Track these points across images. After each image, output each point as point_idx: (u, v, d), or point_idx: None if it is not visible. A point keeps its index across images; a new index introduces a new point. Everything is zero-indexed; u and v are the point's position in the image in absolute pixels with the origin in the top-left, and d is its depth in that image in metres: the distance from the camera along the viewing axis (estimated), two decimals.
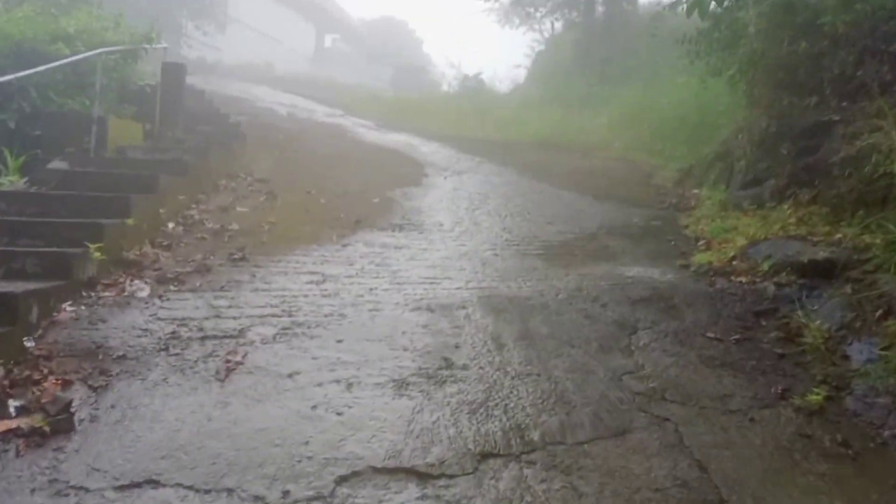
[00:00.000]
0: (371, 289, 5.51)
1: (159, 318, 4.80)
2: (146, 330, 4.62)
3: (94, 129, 7.74)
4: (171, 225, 6.70)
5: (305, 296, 5.30)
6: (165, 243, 6.24)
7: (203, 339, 4.53)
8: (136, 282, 5.32)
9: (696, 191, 10.20)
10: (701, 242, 7.27)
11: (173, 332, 4.60)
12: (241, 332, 4.64)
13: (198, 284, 5.41)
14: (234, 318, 4.86)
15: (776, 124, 8.37)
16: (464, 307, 5.22)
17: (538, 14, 25.99)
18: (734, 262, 6.40)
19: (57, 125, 7.67)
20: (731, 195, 8.72)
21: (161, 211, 6.57)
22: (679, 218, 8.46)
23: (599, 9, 22.95)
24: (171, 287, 5.33)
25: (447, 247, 6.81)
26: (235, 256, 6.04)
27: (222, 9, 34.85)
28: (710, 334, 4.99)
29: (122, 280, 5.33)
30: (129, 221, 5.81)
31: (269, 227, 6.99)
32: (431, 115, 18.42)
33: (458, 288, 5.63)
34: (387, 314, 5.03)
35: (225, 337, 4.57)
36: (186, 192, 7.33)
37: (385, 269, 6.03)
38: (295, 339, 4.59)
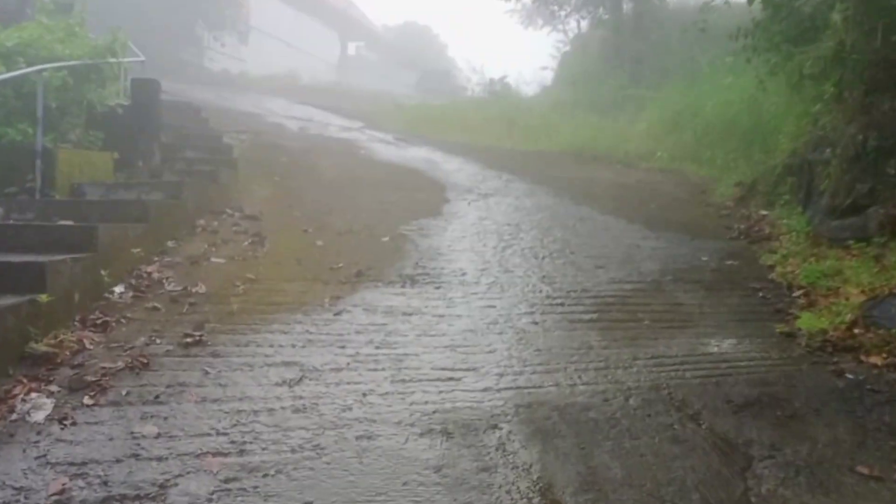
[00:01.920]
0: (364, 394, 3.82)
1: (49, 463, 3.16)
2: (20, 489, 2.98)
3: (38, 165, 6.14)
4: (118, 290, 5.07)
5: (270, 410, 3.63)
6: (101, 321, 4.60)
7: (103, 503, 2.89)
8: (35, 394, 3.68)
9: (764, 213, 8.39)
10: (798, 293, 5.49)
11: (61, 492, 2.95)
12: (162, 490, 2.98)
13: (124, 393, 3.76)
14: (159, 459, 3.20)
15: (877, 136, 6.54)
16: (495, 427, 3.52)
17: (562, 13, 24.07)
18: (856, 331, 4.61)
19: None
20: (818, 223, 6.90)
21: (103, 273, 4.94)
22: (758, 254, 6.68)
23: (627, 5, 21.08)
24: (86, 399, 3.69)
25: (471, 310, 5.09)
26: (189, 339, 4.39)
27: (244, 20, 33.52)
28: (863, 469, 3.23)
29: (15, 392, 3.70)
30: (43, 298, 4.17)
31: (246, 286, 5.33)
32: (455, 123, 16.70)
33: (486, 389, 3.92)
34: (383, 446, 3.34)
35: (136, 499, 2.91)
36: (147, 241, 5.71)
37: (387, 353, 4.34)
38: (240, 499, 2.91)
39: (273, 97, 20.12)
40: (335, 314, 4.91)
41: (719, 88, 13.81)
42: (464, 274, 5.93)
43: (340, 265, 5.97)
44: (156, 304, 4.92)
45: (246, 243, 6.42)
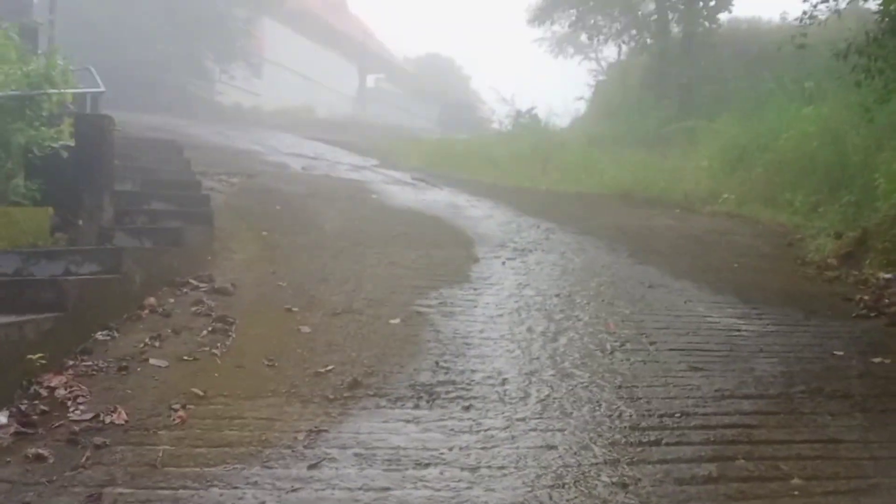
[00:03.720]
0: None
1: None
2: None
3: None
4: None
5: None
6: None
7: None
8: None
9: (887, 276, 6.69)
10: None
11: None
12: None
13: None
14: None
15: None
16: None
17: (598, 39, 22.52)
18: None
19: None
20: None
21: None
22: None
23: (674, 27, 19.57)
24: None
25: (519, 455, 3.42)
26: None
27: (256, 52, 32.54)
28: None
29: None
30: None
31: (188, 411, 3.71)
32: (481, 160, 15.15)
33: None
34: None
35: None
36: (60, 338, 4.16)
37: None
38: None
39: (281, 132, 18.77)
40: (310, 466, 3.26)
41: (794, 119, 12.15)
42: (504, 382, 4.26)
43: (330, 368, 4.34)
44: (41, 451, 3.30)
45: (205, 332, 4.81)
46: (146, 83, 24.08)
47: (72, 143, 6.39)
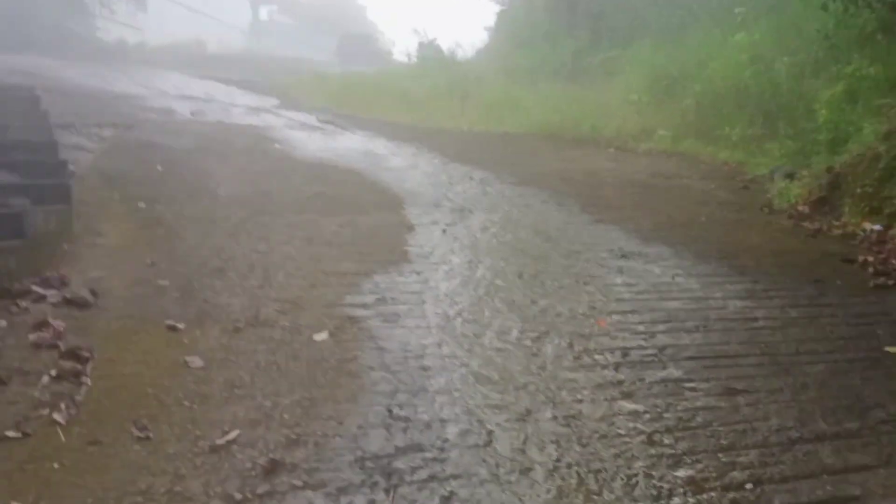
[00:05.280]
0: None
1: None
2: None
3: None
4: None
5: None
6: None
7: None
8: None
9: (875, 227, 5.61)
10: None
11: None
12: None
13: None
14: None
15: None
16: None
17: None
18: None
19: None
20: None
21: None
22: None
23: None
24: None
25: None
26: None
27: None
28: None
29: None
30: None
31: None
32: (395, 99, 13.42)
33: None
34: None
35: None
36: None
37: None
38: None
39: (168, 71, 16.42)
40: None
41: (721, 46, 11.02)
42: (490, 439, 2.85)
43: (233, 435, 2.80)
44: None
45: (46, 379, 3.15)
46: (17, 20, 20.99)
47: None
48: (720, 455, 2.79)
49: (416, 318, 4.00)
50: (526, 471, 2.66)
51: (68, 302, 3.91)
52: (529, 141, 9.93)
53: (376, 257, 4.96)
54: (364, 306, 4.10)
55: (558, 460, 2.72)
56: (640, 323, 4.02)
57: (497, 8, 25.71)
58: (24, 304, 3.83)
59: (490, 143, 9.82)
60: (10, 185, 4.99)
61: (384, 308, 4.09)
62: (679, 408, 3.13)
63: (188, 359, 3.39)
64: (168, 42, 28.90)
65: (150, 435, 2.78)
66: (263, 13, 41.12)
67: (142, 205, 5.68)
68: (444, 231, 5.69)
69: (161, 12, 33.07)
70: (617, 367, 3.49)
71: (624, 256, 5.21)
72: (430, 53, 21.22)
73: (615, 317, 4.10)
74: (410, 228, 5.71)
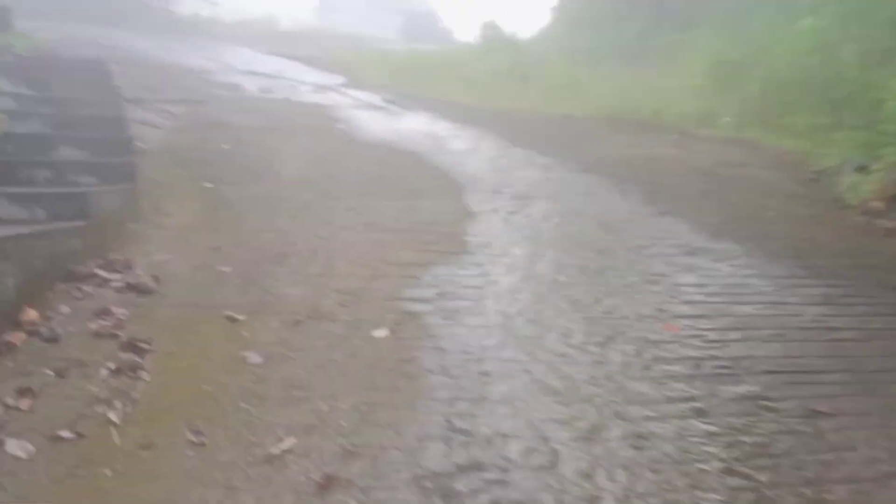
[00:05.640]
0: None
1: None
2: None
3: None
4: None
5: None
6: None
7: None
8: None
9: None
10: None
11: None
12: None
13: None
14: None
15: None
16: None
17: None
18: None
19: None
20: None
21: None
22: None
23: None
24: None
25: None
26: None
27: None
28: None
29: None
30: None
31: None
32: (455, 77, 13.02)
33: None
34: None
35: None
36: None
37: None
38: None
39: (239, 46, 16.32)
40: None
41: (786, 34, 10.30)
42: (556, 459, 2.57)
43: (288, 445, 2.59)
44: None
45: (104, 373, 2.99)
46: None
47: None
48: (805, 490, 2.47)
49: (477, 315, 3.72)
50: (594, 500, 2.37)
51: (131, 287, 3.75)
52: (591, 124, 9.47)
53: (437, 247, 4.69)
54: (424, 301, 3.84)
55: (629, 489, 2.44)
56: (712, 329, 3.67)
57: None
58: (87, 288, 3.69)
59: (551, 126, 9.40)
60: (77, 163, 4.85)
61: (444, 303, 3.83)
62: (758, 431, 2.81)
63: (246, 354, 3.19)
64: (241, 17, 28.81)
65: (205, 441, 2.58)
66: None
67: (208, 185, 5.52)
68: (505, 220, 5.38)
69: None
70: (689, 379, 3.17)
71: (691, 253, 4.83)
72: (491, 33, 20.66)
73: (685, 321, 3.75)
74: (471, 216, 5.42)
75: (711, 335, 3.61)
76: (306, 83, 11.65)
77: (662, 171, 7.20)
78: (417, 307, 3.77)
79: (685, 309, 3.92)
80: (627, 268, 4.51)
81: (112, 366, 3.02)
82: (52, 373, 2.95)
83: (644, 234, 5.17)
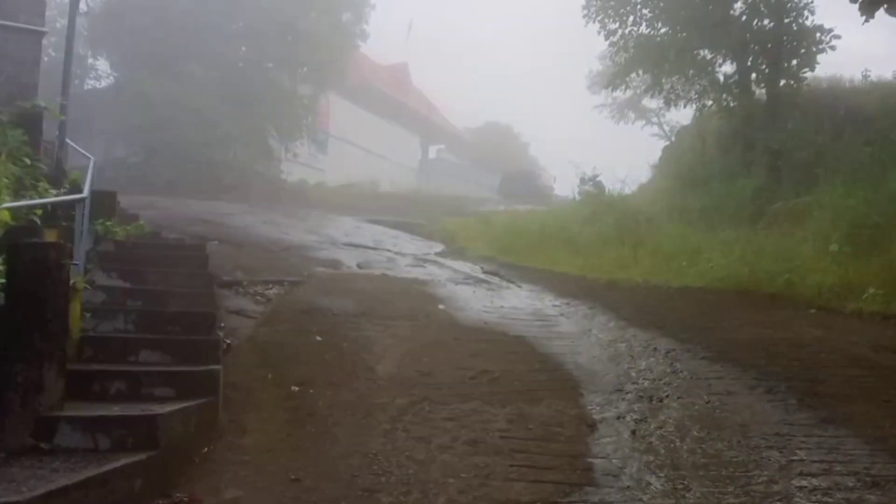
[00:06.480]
0: None
1: None
2: None
3: None
4: None
5: None
6: None
7: None
8: None
9: None
10: None
11: None
12: None
13: None
14: None
15: None
16: None
17: (675, 104, 19.69)
18: None
19: None
20: None
21: None
22: None
23: (754, 89, 16.87)
24: None
25: None
26: None
27: (321, 127, 31.02)
28: None
29: None
30: None
31: None
32: (558, 243, 12.61)
33: None
34: None
35: None
36: None
37: None
38: None
39: (341, 215, 16.64)
40: None
41: None
42: None
43: None
44: None
45: None
46: (208, 164, 22.37)
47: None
48: None
49: None
50: None
51: None
52: (715, 298, 8.68)
53: (554, 475, 3.95)
54: None
55: None
56: None
57: (662, 143, 24.84)
58: None
59: (670, 299, 8.66)
60: (158, 373, 4.51)
61: None
62: None
63: None
64: (345, 181, 30.14)
65: None
66: (432, 152, 42.70)
67: (295, 388, 5.06)
68: (633, 432, 4.61)
69: (340, 154, 34.83)
70: None
71: (876, 485, 3.88)
72: (591, 189, 20.48)
73: None
74: (592, 427, 4.68)
75: None
76: (405, 254, 11.50)
77: (810, 359, 6.26)
78: None
79: None
80: None
81: None
82: None
83: (809, 456, 4.25)
